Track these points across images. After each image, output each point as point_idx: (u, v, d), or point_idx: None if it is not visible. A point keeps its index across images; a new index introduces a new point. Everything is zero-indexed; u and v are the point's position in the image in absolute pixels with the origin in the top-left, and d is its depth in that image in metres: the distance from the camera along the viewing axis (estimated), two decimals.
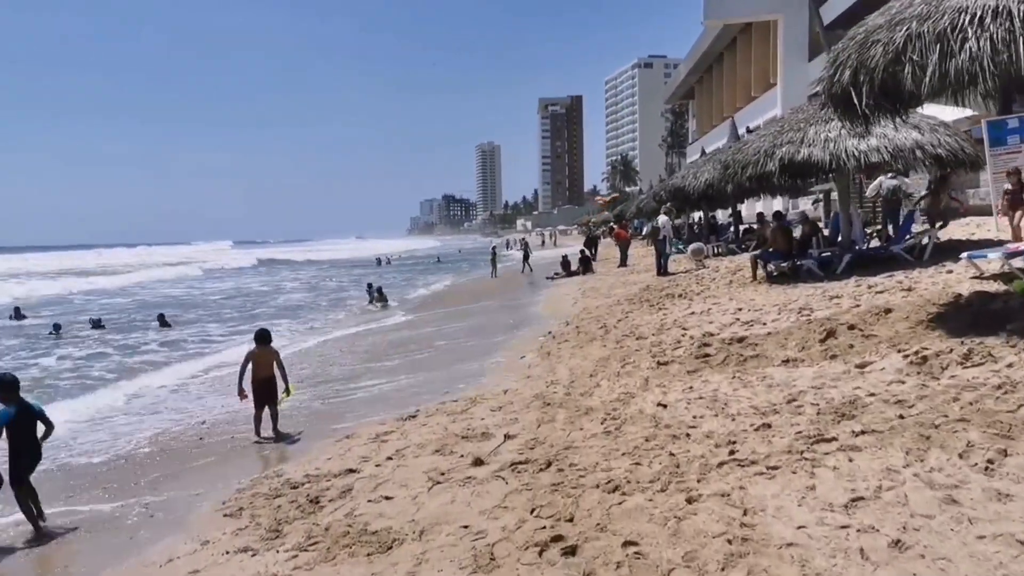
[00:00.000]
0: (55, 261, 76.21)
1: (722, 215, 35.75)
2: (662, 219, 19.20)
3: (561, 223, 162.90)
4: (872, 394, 5.49)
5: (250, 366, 8.18)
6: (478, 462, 5.53)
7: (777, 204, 38.66)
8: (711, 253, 21.60)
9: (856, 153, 11.58)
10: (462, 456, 5.80)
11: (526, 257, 33.46)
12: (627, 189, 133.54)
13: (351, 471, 5.99)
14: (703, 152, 29.84)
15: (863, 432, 4.71)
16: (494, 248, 37.67)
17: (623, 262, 26.29)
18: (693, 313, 11.13)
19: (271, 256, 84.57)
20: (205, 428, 8.95)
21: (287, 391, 8.30)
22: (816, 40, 39.62)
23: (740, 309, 10.70)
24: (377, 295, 23.79)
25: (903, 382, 5.64)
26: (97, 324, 21.10)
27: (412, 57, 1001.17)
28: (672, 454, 4.95)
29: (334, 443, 7.18)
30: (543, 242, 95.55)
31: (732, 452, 4.79)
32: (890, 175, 20.57)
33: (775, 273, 14.19)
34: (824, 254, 13.62)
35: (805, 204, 35.28)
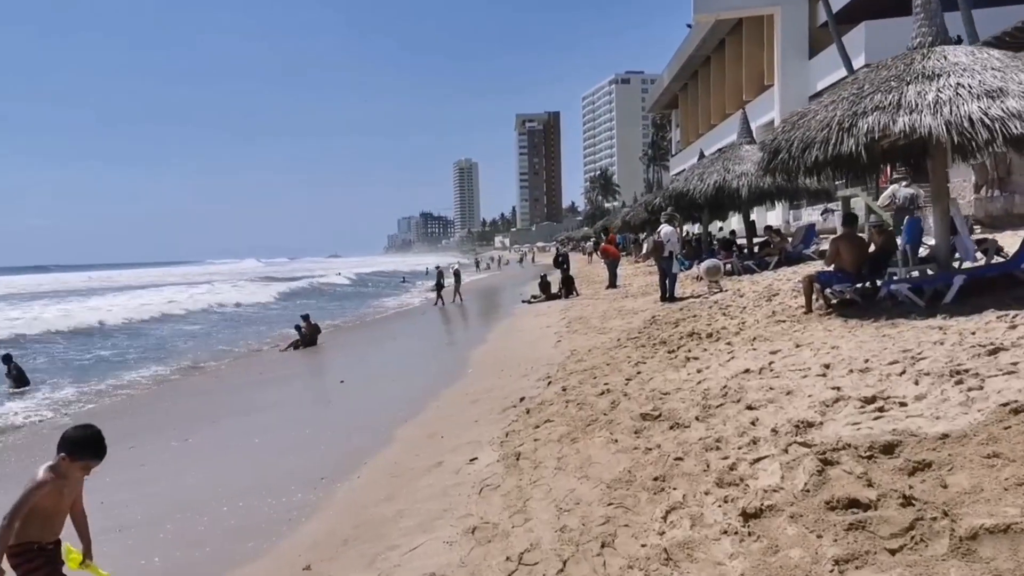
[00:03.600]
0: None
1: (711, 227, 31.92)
2: (666, 230, 15.10)
3: (540, 240, 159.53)
4: None
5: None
6: None
7: (774, 217, 34.95)
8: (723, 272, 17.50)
9: (988, 120, 7.56)
10: None
11: (440, 287, 28.17)
12: (607, 204, 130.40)
13: None
14: (701, 155, 25.91)
15: None
16: (439, 270, 30.70)
17: (612, 283, 22.20)
18: (748, 372, 6.97)
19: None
20: None
21: (83, 561, 3.92)
22: (817, 35, 36.16)
23: (827, 367, 6.58)
24: (306, 329, 18.78)
25: None
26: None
27: (390, 73, 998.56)
28: None
29: None
30: (521, 259, 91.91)
31: None
32: (905, 183, 17.54)
33: (834, 300, 10.17)
34: (913, 273, 9.56)
35: (809, 215, 31.49)
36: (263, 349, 18.81)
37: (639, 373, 8.01)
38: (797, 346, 7.76)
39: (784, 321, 9.70)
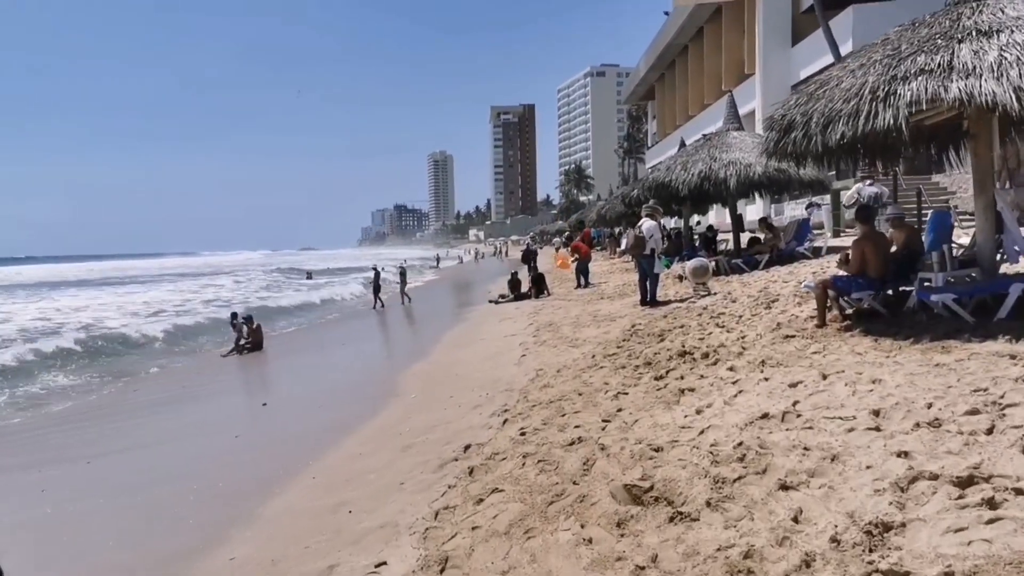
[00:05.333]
0: None
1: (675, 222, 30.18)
2: (648, 224, 13.29)
3: (514, 233, 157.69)
4: None
5: None
6: None
7: (754, 211, 33.43)
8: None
9: None
10: None
11: (377, 288, 26.09)
12: (581, 198, 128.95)
13: None
14: (682, 144, 24.18)
15: None
16: (376, 271, 27.69)
17: (583, 283, 20.42)
18: (767, 417, 5.15)
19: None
20: None
21: None
22: (800, 21, 34.59)
23: (877, 414, 4.80)
24: (249, 334, 16.86)
25: None
26: None
27: (363, 62, 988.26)
28: None
29: None
30: (496, 252, 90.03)
31: None
32: (869, 182, 17.08)
33: (849, 310, 8.46)
34: (949, 279, 7.85)
35: (793, 210, 29.93)
36: (200, 351, 16.79)
37: (619, 411, 6.19)
38: (824, 377, 5.98)
39: (794, 336, 7.94)
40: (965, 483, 3.60)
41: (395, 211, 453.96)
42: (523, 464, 5.19)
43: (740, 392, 6.04)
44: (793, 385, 5.94)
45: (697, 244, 21.12)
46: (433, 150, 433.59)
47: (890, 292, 8.56)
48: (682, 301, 12.88)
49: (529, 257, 32.40)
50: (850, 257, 8.24)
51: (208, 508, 5.52)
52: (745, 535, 3.48)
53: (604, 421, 5.93)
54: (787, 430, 4.87)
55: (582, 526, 3.90)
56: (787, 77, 34.42)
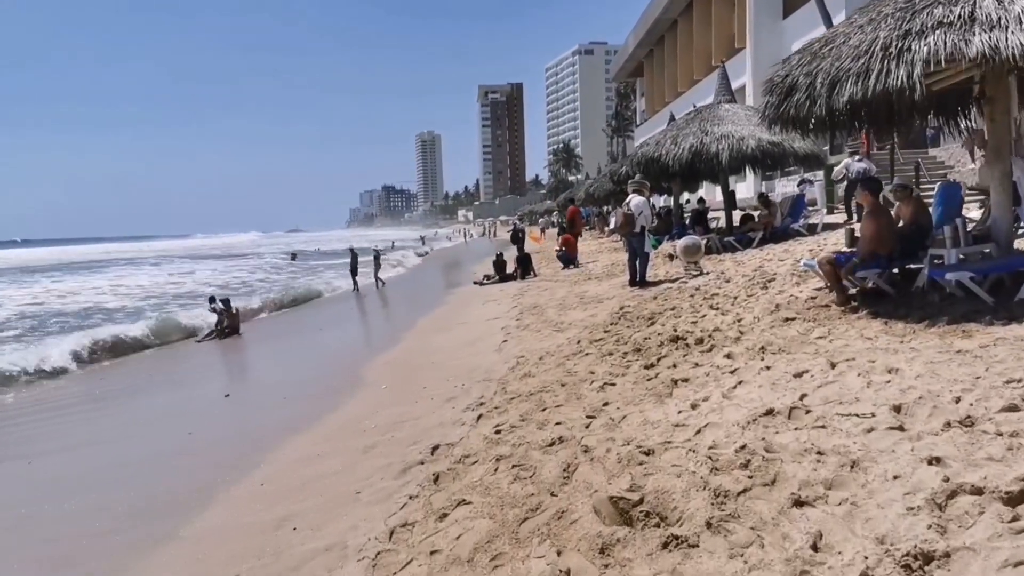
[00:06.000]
0: None
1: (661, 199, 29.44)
2: (636, 201, 12.63)
3: (503, 214, 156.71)
4: None
5: None
6: None
7: (744, 188, 32.82)
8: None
9: None
10: None
11: (354, 271, 25.43)
12: (570, 178, 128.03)
13: None
14: (672, 118, 23.49)
15: None
16: (353, 251, 26.48)
17: (571, 264, 19.76)
18: (772, 413, 4.53)
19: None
20: None
21: None
22: None
23: (898, 410, 4.20)
24: (227, 318, 16.35)
25: None
26: None
27: (350, 40, 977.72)
28: None
29: None
30: (484, 232, 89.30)
31: None
32: (858, 157, 17.30)
33: (852, 289, 7.85)
34: (962, 256, 7.24)
35: (784, 186, 29.29)
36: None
37: (605, 405, 5.57)
38: (832, 365, 5.37)
39: (795, 319, 7.34)
40: (1016, 500, 3.00)
41: (383, 192, 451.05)
42: (496, 469, 4.56)
43: (740, 383, 5.43)
44: (798, 375, 5.34)
45: (687, 222, 20.50)
46: (421, 130, 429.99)
47: (895, 271, 7.97)
48: (673, 281, 12.27)
49: (518, 237, 31.82)
50: (862, 233, 7.61)
51: (128, 525, 4.84)
52: (755, 568, 2.87)
53: (588, 417, 5.31)
54: (796, 429, 4.26)
55: (559, 553, 3.28)
56: (779, 51, 33.54)
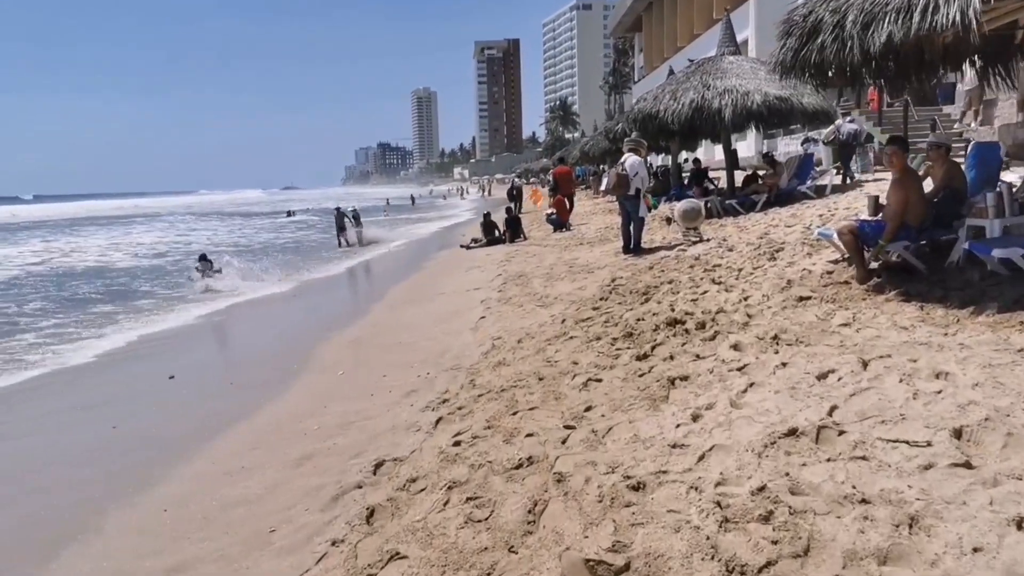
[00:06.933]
0: None
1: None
2: (632, 160, 11.55)
3: (499, 172, 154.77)
4: None
5: None
6: None
7: (744, 148, 31.59)
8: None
9: None
10: None
11: (341, 229, 25.99)
12: (567, 135, 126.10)
13: None
14: (671, 72, 22.23)
15: None
16: (339, 210, 27.04)
17: (566, 225, 18.70)
18: (796, 434, 3.58)
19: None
20: None
21: None
22: None
23: (959, 435, 3.26)
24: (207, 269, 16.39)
25: None
26: None
27: (346, 8, 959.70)
28: None
29: None
30: (480, 190, 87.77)
31: None
32: (849, 118, 17.31)
33: (874, 264, 6.86)
34: (1006, 227, 6.24)
35: (787, 146, 28.09)
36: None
37: (588, 410, 4.61)
38: (864, 364, 4.41)
39: (810, 298, 6.37)
40: None
41: (379, 150, 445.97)
42: (446, 502, 3.61)
43: (751, 385, 4.46)
44: (823, 376, 4.38)
45: (686, 182, 19.41)
46: (417, 87, 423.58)
47: (924, 243, 6.98)
48: (670, 248, 11.27)
49: (515, 194, 31.13)
50: (889, 200, 6.59)
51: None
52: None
53: (566, 428, 4.36)
54: (829, 460, 3.31)
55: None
56: (785, 1, 32.18)
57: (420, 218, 42.73)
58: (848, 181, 15.67)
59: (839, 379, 4.27)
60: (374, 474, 4.23)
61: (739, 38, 33.21)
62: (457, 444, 4.42)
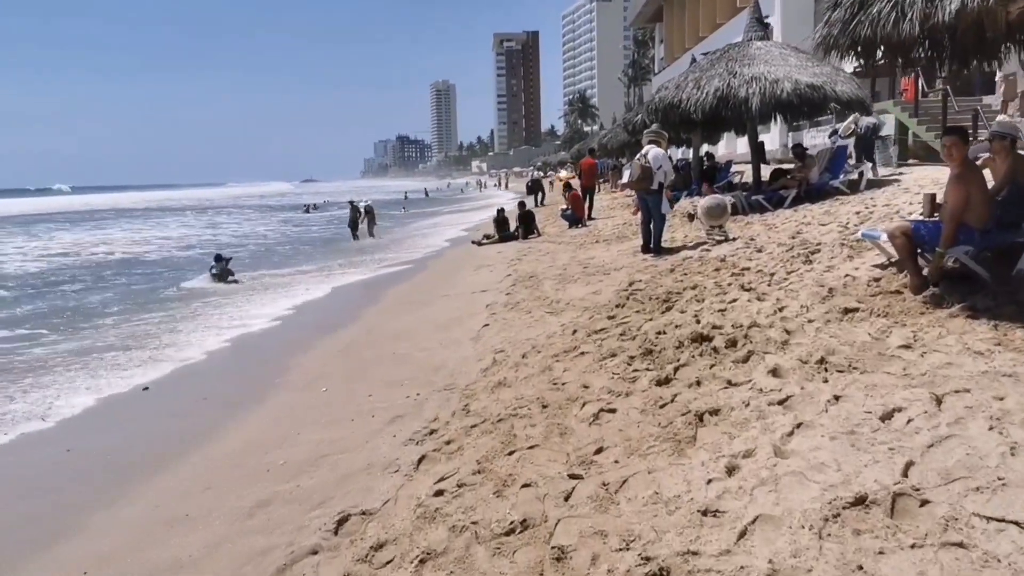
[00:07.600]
0: None
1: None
2: (655, 152, 10.69)
3: (517, 165, 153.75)
4: None
5: None
6: None
7: (769, 140, 30.49)
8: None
9: None
10: None
11: (355, 225, 25.70)
12: (586, 128, 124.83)
13: None
14: (693, 60, 21.26)
15: None
16: (353, 205, 26.91)
17: (577, 223, 17.85)
18: (864, 503, 2.78)
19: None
20: None
21: None
22: None
23: None
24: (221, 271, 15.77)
25: None
26: None
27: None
28: None
29: None
30: (497, 183, 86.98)
31: None
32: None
33: (924, 271, 5.98)
34: None
35: (813, 138, 27.01)
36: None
37: (599, 452, 3.83)
38: (938, 401, 3.59)
39: (857, 310, 5.52)
40: None
41: (397, 142, 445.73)
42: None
43: (798, 426, 3.65)
44: (887, 416, 3.56)
45: (694, 179, 18.37)
46: (436, 79, 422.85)
47: (987, 249, 6.10)
48: (693, 248, 10.43)
49: (535, 188, 30.64)
50: (948, 199, 5.71)
51: None
52: None
53: (571, 477, 3.57)
54: (913, 547, 2.50)
55: None
56: None
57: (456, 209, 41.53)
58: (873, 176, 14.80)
59: (908, 421, 3.46)
60: (335, 534, 3.46)
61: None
62: (439, 494, 3.65)
